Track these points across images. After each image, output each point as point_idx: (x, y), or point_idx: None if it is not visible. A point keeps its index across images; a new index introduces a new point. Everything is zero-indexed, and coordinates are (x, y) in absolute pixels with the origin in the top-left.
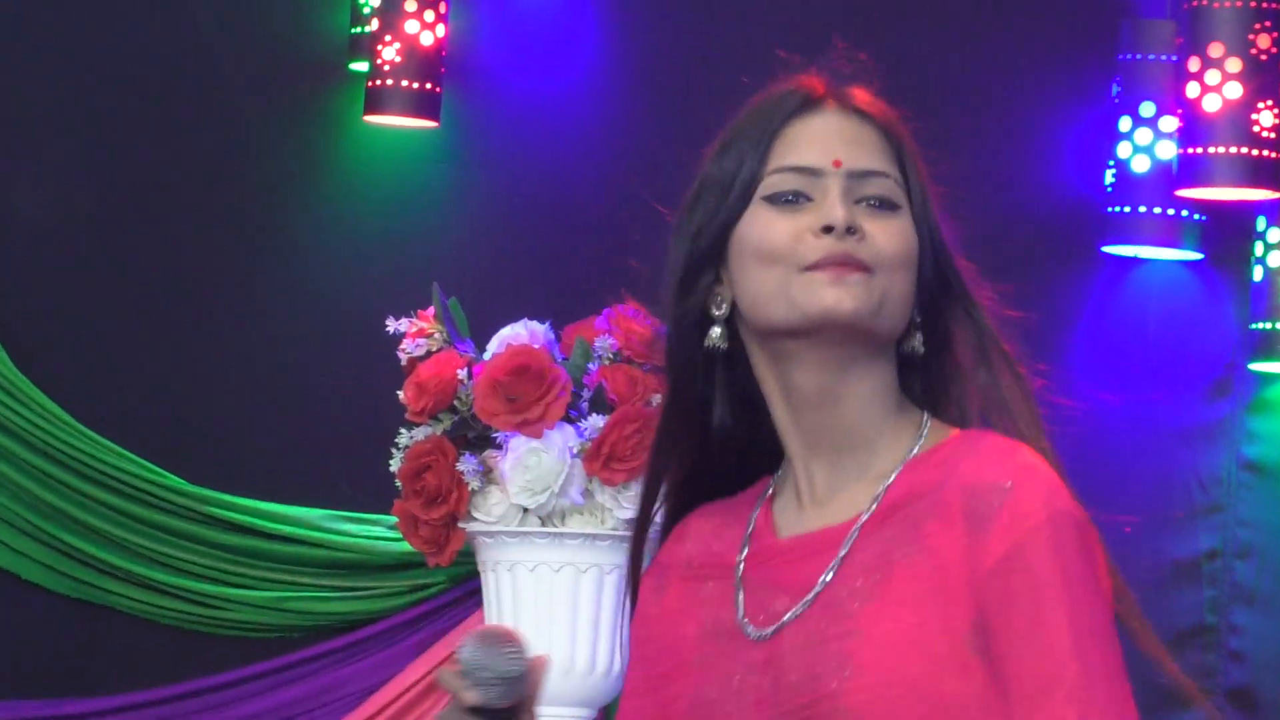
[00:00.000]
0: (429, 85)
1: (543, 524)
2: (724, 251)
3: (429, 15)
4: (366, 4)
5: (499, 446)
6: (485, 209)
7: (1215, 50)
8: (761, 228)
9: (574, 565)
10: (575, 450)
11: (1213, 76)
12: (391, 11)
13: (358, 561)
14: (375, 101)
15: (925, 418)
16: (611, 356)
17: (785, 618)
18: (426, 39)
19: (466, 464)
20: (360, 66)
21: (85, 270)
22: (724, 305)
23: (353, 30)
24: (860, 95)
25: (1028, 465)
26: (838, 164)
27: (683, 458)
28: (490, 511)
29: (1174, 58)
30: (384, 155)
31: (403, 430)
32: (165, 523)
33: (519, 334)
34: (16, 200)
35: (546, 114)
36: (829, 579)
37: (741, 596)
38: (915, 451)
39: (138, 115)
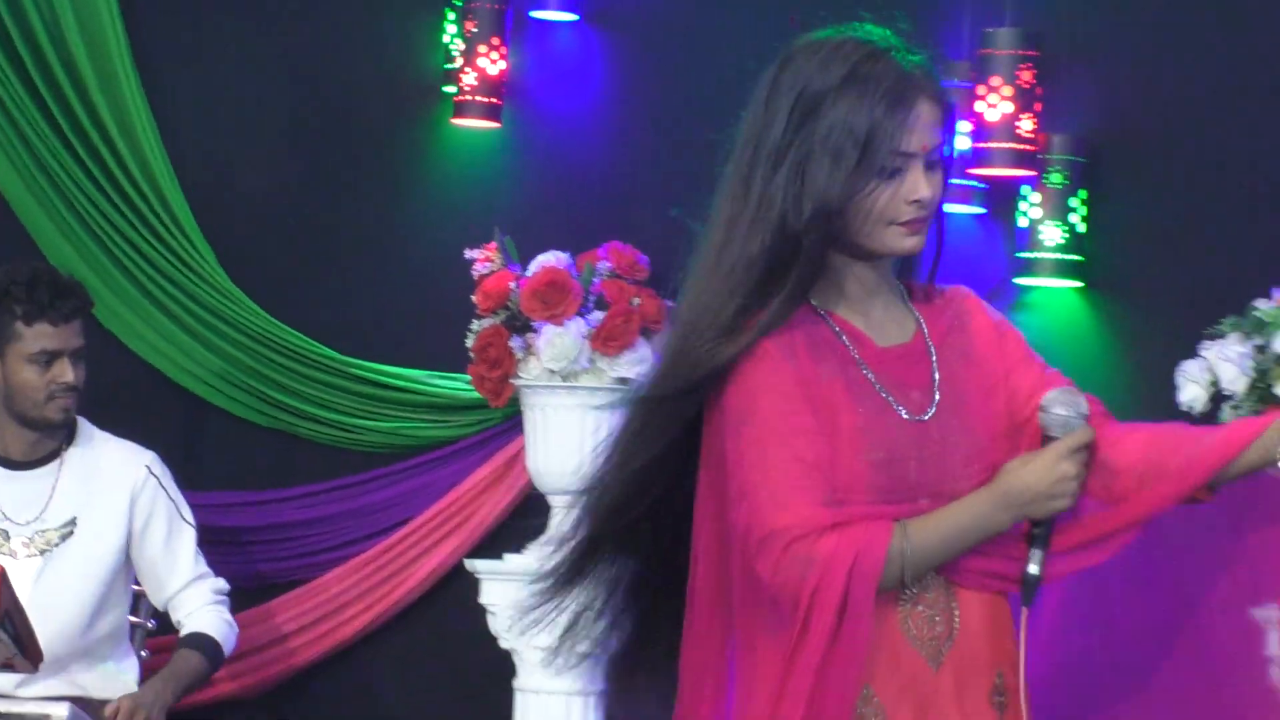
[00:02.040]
0: (494, 100)
1: (564, 380)
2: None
3: (495, 55)
4: (453, 47)
5: (536, 331)
6: (530, 180)
7: (995, 81)
8: (871, 195)
9: (581, 407)
10: (585, 334)
11: (993, 98)
12: (470, 51)
13: (445, 403)
14: (459, 110)
15: (889, 278)
16: (607, 274)
17: (930, 410)
18: (493, 70)
19: (515, 343)
20: (450, 89)
21: (277, 215)
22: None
23: (445, 66)
24: (937, 84)
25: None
26: (925, 149)
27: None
28: (530, 372)
29: (970, 84)
30: (464, 146)
31: (475, 321)
32: (322, 378)
33: (549, 260)
34: (238, 172)
35: (572, 120)
36: (939, 378)
37: (880, 387)
38: (908, 297)
39: (315, 118)
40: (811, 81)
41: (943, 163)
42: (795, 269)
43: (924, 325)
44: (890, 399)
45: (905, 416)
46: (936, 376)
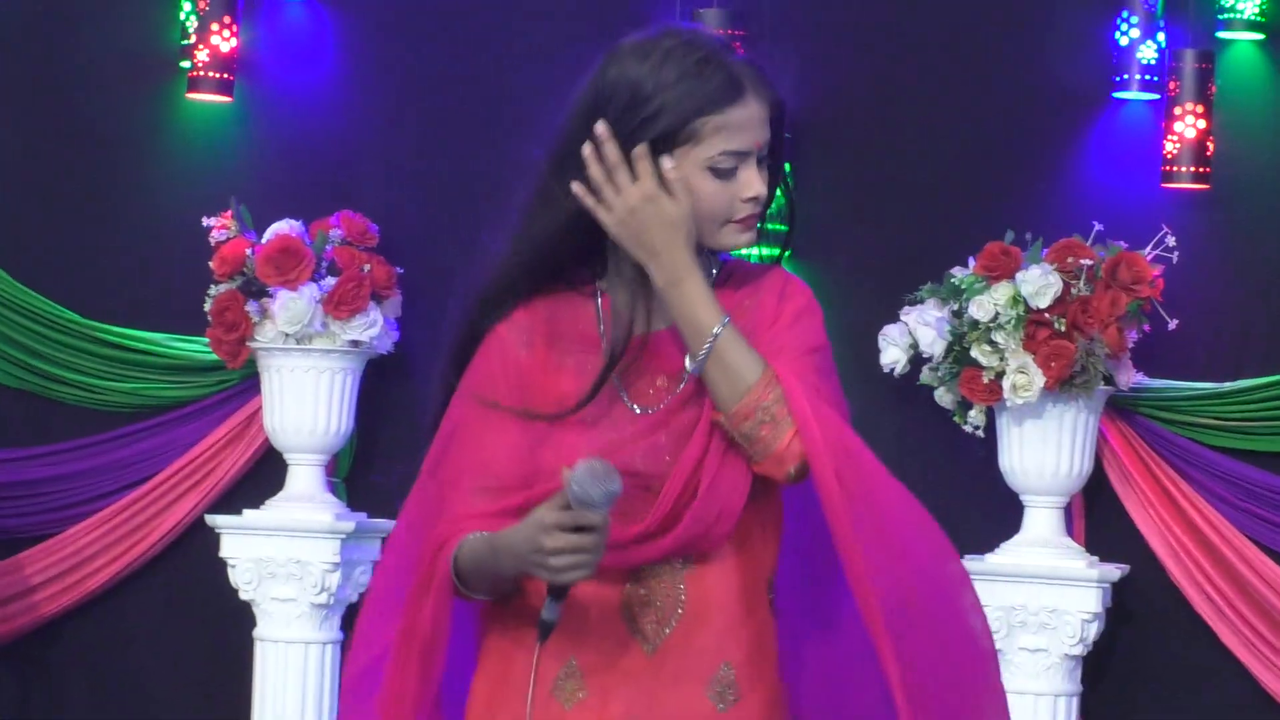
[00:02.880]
0: (226, 75)
1: (298, 343)
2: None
3: (226, 33)
4: (188, 25)
5: (271, 296)
6: (263, 152)
7: None
8: (707, 193)
9: (315, 368)
10: (318, 298)
11: None
12: (204, 29)
13: (185, 365)
14: (193, 85)
15: (710, 262)
16: (339, 241)
17: (667, 399)
18: (225, 47)
19: (251, 307)
20: (185, 64)
21: (20, 185)
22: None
23: (181, 43)
24: (764, 83)
25: (793, 277)
26: (758, 146)
27: (530, 267)
28: (265, 335)
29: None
30: (200, 119)
31: (212, 286)
32: (67, 341)
33: (283, 228)
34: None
35: (303, 95)
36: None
37: (616, 378)
38: (713, 280)
39: (57, 92)
40: (643, 83)
41: (773, 158)
42: (574, 258)
43: None
44: (622, 391)
45: (635, 410)
46: (689, 365)
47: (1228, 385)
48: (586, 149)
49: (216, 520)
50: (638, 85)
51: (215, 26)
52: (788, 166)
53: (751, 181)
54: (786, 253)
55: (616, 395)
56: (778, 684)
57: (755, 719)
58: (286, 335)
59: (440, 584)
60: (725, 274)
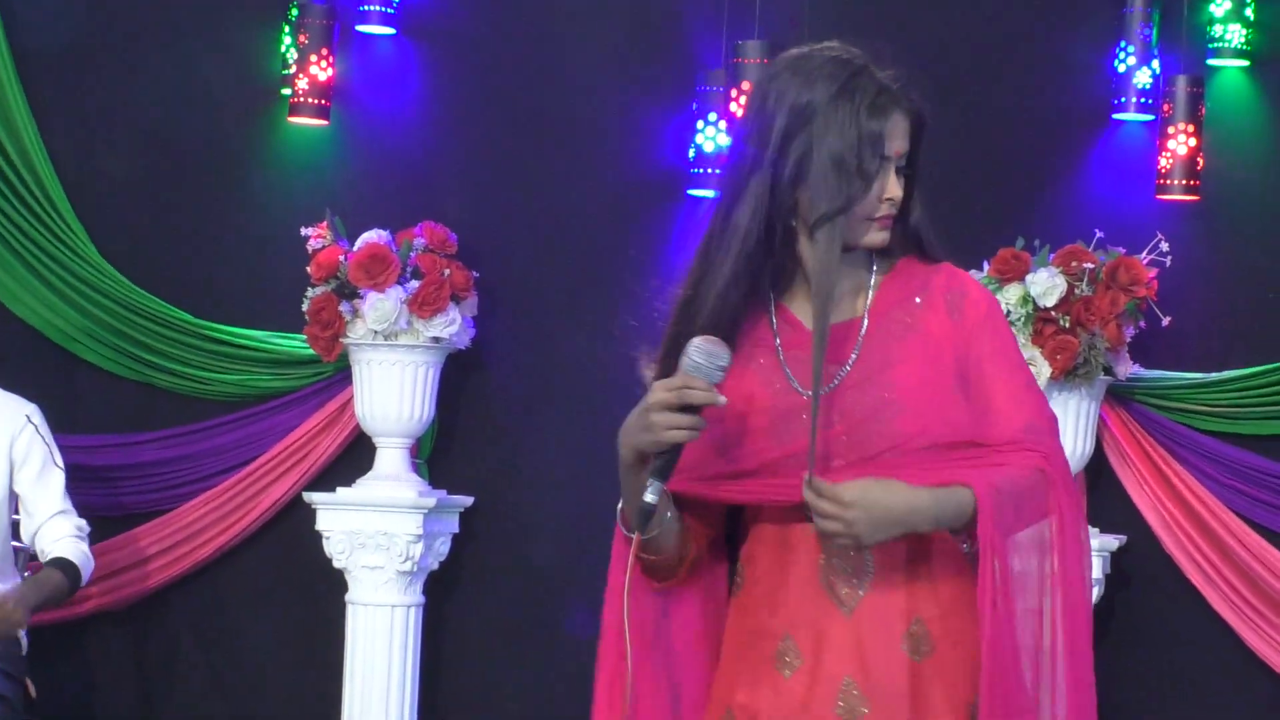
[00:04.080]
0: (323, 101)
1: (385, 339)
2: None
3: (324, 64)
4: (289, 56)
5: (361, 298)
6: (355, 169)
7: (745, 85)
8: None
9: (401, 362)
10: (403, 300)
11: (744, 99)
12: (303, 60)
13: (284, 359)
14: (294, 110)
15: (872, 261)
16: (422, 249)
17: (834, 383)
18: (322, 76)
19: (344, 307)
20: (286, 91)
21: (140, 198)
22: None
23: (283, 72)
24: (908, 98)
25: (964, 275)
26: (898, 154)
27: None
28: (356, 332)
29: (725, 88)
30: (299, 140)
31: (309, 288)
32: (178, 337)
33: (372, 237)
34: (106, 162)
35: (390, 118)
36: (857, 355)
37: (790, 370)
38: (873, 280)
39: (173, 115)
40: (800, 95)
41: (910, 167)
42: (770, 263)
43: (870, 301)
44: (794, 381)
45: (804, 395)
46: (855, 354)
47: (1215, 375)
48: (807, 493)
49: (313, 497)
50: (801, 105)
51: (313, 58)
52: None
53: (892, 185)
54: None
55: (790, 386)
56: (973, 634)
57: (950, 668)
58: (375, 332)
59: (619, 545)
60: (897, 270)
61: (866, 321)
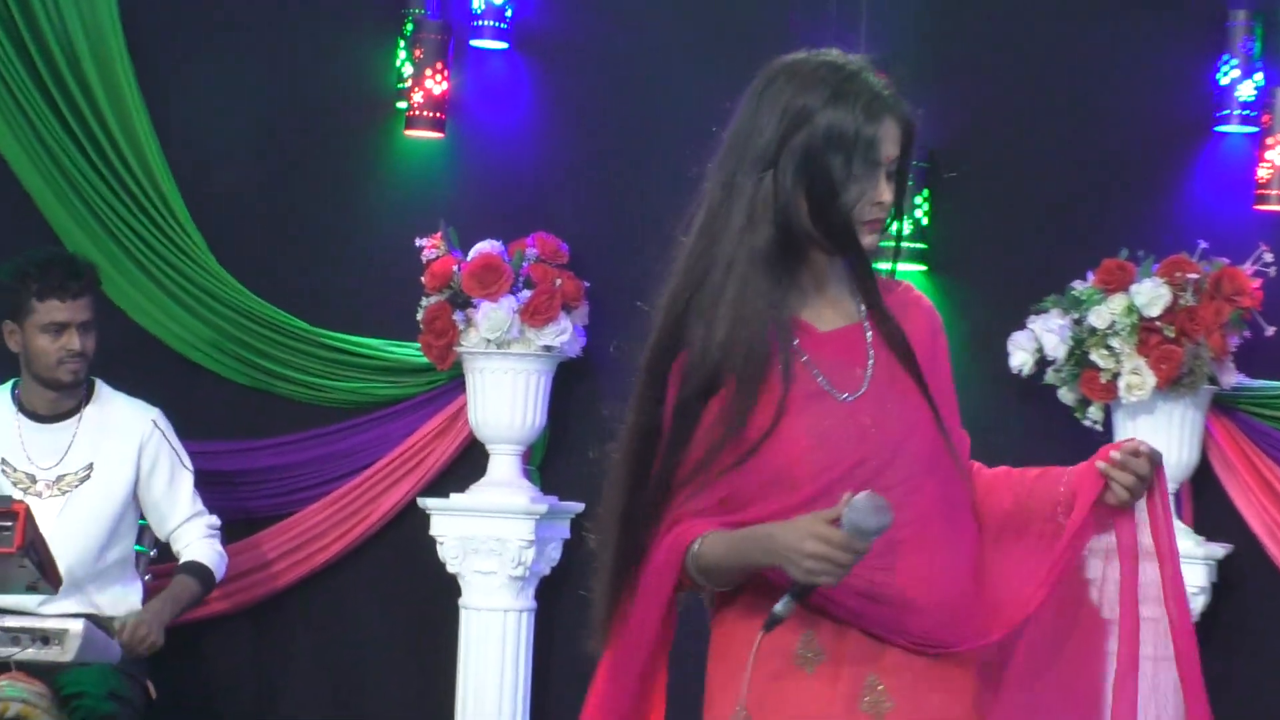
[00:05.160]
0: (439, 114)
1: (498, 348)
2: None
3: (438, 78)
4: (404, 70)
5: (475, 307)
6: (469, 181)
7: None
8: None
9: (513, 370)
10: (515, 309)
11: None
12: (418, 74)
13: (399, 367)
14: (410, 123)
15: (862, 264)
16: (534, 259)
17: (864, 385)
18: (437, 90)
19: (457, 316)
20: (402, 105)
21: (258, 208)
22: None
23: (398, 86)
24: (901, 104)
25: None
26: (889, 159)
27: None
28: (470, 341)
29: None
30: (415, 153)
31: (424, 298)
32: (296, 346)
33: (485, 247)
34: (225, 172)
35: (504, 131)
36: (873, 359)
37: (817, 371)
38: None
39: (292, 128)
40: (795, 99)
41: (901, 172)
42: (785, 262)
43: (865, 309)
44: (825, 382)
45: (839, 398)
46: (871, 358)
47: None
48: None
49: (427, 503)
50: (796, 108)
51: (429, 73)
52: (926, 192)
53: (883, 189)
54: (894, 265)
55: (822, 389)
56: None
57: (966, 660)
58: (488, 341)
59: (652, 591)
60: (880, 283)
61: (869, 329)
